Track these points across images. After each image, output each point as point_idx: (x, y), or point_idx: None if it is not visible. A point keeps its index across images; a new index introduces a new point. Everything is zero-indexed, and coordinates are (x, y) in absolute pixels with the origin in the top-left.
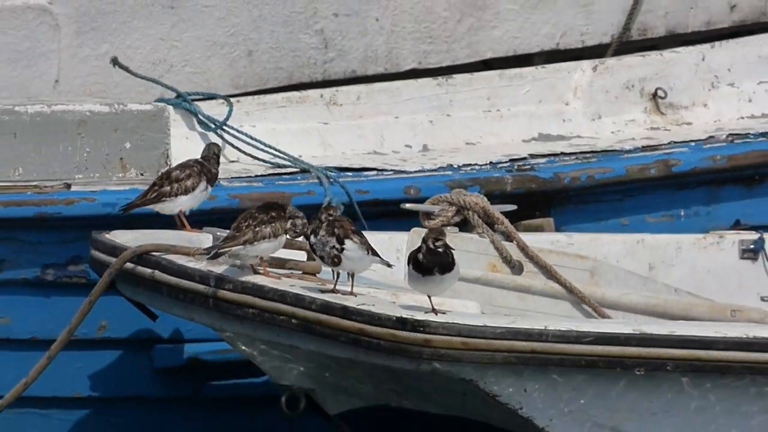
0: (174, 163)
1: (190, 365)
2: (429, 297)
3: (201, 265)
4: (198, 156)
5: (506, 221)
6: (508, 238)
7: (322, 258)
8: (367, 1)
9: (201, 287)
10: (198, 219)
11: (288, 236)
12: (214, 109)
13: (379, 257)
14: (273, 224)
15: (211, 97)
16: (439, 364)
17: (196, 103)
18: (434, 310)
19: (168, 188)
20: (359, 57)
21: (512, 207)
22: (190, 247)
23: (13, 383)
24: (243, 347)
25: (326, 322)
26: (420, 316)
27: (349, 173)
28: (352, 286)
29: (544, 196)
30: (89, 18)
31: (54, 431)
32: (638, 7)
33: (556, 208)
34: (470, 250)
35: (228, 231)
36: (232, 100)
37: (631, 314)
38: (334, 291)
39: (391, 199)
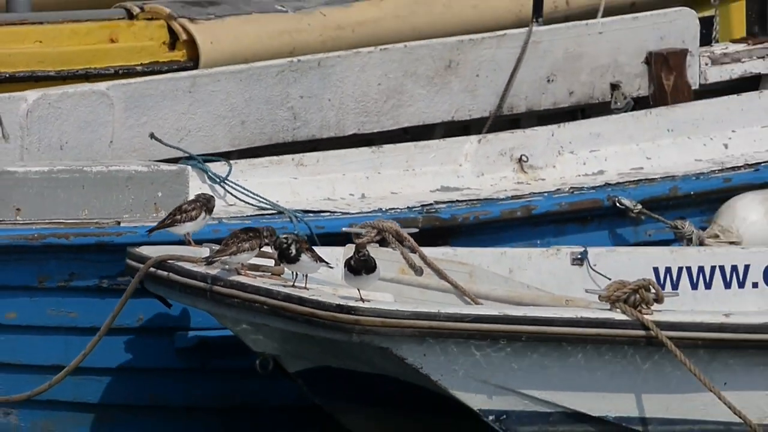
0: None
1: (198, 345)
2: (359, 290)
3: (202, 269)
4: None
5: (411, 239)
6: (413, 250)
7: (286, 261)
8: (323, 87)
9: (202, 284)
10: (206, 241)
11: (263, 249)
12: (218, 168)
13: (325, 262)
14: (251, 241)
15: (217, 159)
16: (365, 337)
17: (206, 163)
18: (362, 300)
19: (179, 216)
20: (317, 125)
21: (415, 230)
22: (194, 257)
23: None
24: (231, 326)
25: (288, 308)
26: (352, 303)
27: (311, 214)
28: (306, 283)
29: (445, 231)
30: (134, 99)
31: (106, 392)
32: (508, 92)
33: (453, 239)
34: (386, 259)
35: (220, 246)
36: (231, 161)
37: (498, 303)
38: (293, 286)
39: (340, 233)
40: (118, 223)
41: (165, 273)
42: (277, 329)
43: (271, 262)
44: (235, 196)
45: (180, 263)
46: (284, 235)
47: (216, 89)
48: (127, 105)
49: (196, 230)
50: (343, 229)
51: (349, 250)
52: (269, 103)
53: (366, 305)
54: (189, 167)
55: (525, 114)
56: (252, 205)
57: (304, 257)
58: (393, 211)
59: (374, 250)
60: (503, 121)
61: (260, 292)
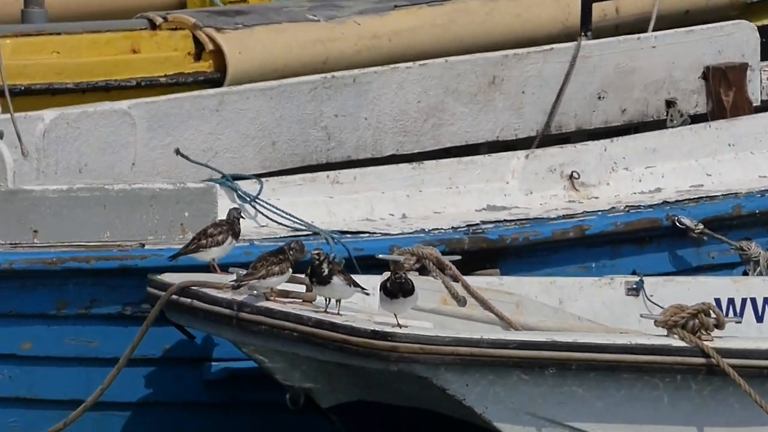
0: None
1: (227, 377)
2: (395, 315)
3: (227, 294)
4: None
5: (453, 267)
6: (455, 279)
7: (317, 281)
8: (358, 105)
9: (227, 311)
10: (235, 265)
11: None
12: (248, 187)
13: (360, 287)
14: (280, 264)
15: (247, 177)
16: (403, 365)
17: (236, 181)
18: (399, 325)
19: (204, 241)
20: (353, 146)
21: (457, 257)
22: (219, 282)
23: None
24: (258, 356)
25: (319, 335)
26: (389, 329)
27: (348, 235)
28: (338, 309)
29: (492, 253)
30: (157, 118)
31: (129, 428)
32: (556, 110)
33: (500, 262)
34: (427, 288)
35: (247, 270)
36: (262, 179)
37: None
38: (325, 312)
39: (388, 254)
40: (143, 245)
41: (188, 300)
42: (307, 359)
43: (302, 289)
44: (267, 216)
45: (204, 289)
46: (316, 250)
47: (245, 107)
48: (151, 125)
49: (223, 255)
50: (380, 256)
51: (385, 275)
52: (302, 122)
53: (404, 331)
54: (217, 185)
55: (574, 133)
56: (285, 225)
57: (337, 280)
58: (436, 231)
59: (413, 279)
60: (551, 141)
61: (289, 318)
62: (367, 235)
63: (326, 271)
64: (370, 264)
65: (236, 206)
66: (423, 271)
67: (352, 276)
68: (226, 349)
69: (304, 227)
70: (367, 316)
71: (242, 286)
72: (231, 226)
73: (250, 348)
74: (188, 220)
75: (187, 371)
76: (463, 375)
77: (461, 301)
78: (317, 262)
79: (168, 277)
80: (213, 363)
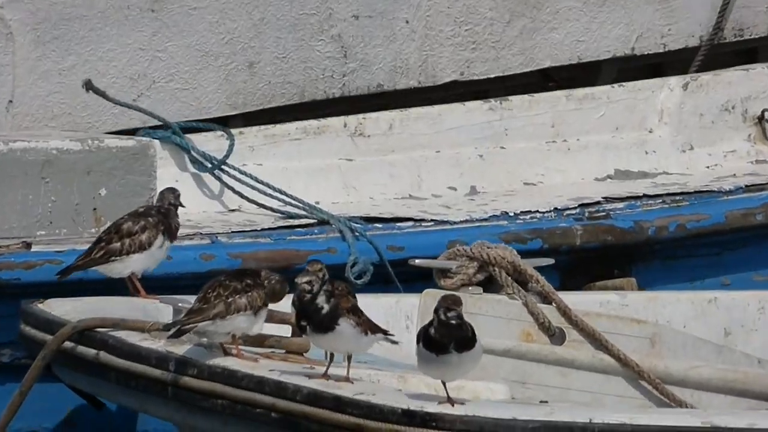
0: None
1: None
2: (443, 383)
3: (158, 344)
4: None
5: (542, 278)
6: (546, 299)
7: (312, 327)
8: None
9: (158, 372)
10: (182, 284)
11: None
12: (210, 144)
13: (382, 332)
14: (249, 293)
15: (206, 128)
16: None
17: (188, 136)
18: (450, 400)
19: (118, 245)
20: (386, 68)
21: (549, 261)
22: (145, 321)
23: None
24: None
25: (314, 416)
26: (432, 408)
27: (379, 225)
28: (348, 369)
29: (624, 251)
30: (50, 25)
31: None
32: (732, 2)
33: (638, 266)
34: (498, 315)
35: (192, 300)
36: (234, 131)
37: (702, 393)
38: (325, 376)
39: (431, 258)
40: (28, 246)
41: (92, 351)
42: None
43: (285, 331)
44: (241, 194)
45: (119, 333)
46: (306, 279)
47: (200, 4)
48: (39, 36)
49: (150, 268)
50: (414, 261)
51: (428, 300)
52: (298, 28)
53: (457, 411)
54: (156, 142)
55: (766, 41)
56: (271, 210)
57: (344, 324)
58: (528, 217)
59: (475, 301)
60: (724, 55)
61: (265, 387)
62: (410, 224)
63: (326, 308)
64: (417, 275)
65: (172, 186)
66: (490, 285)
67: (370, 320)
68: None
69: (303, 211)
70: (397, 379)
71: (185, 331)
72: (164, 217)
73: None
74: (106, 201)
75: None
76: None
77: (556, 337)
78: (309, 293)
79: (57, 307)
80: None
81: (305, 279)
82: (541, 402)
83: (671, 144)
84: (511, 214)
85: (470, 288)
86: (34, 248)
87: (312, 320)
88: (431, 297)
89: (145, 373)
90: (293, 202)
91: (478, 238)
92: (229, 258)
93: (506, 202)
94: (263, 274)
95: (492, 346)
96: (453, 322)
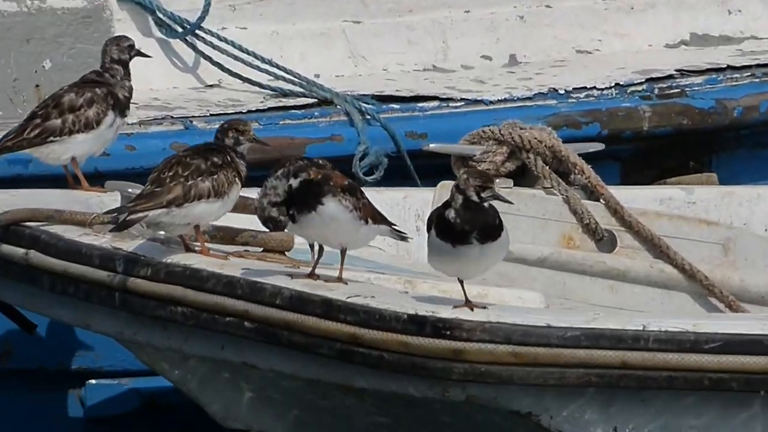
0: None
1: (108, 417)
2: (461, 282)
3: (103, 240)
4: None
5: (587, 168)
6: (592, 194)
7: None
8: None
9: (103, 274)
10: (121, 173)
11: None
12: (180, 2)
13: (388, 225)
14: (215, 175)
15: None
16: (477, 388)
17: None
18: (468, 303)
19: (58, 122)
20: None
21: (597, 146)
22: (86, 213)
23: None
24: (170, 368)
25: (298, 325)
26: (446, 313)
27: (395, 105)
28: (342, 266)
29: (702, 138)
30: None
31: None
32: None
33: (720, 156)
34: (532, 215)
35: (146, 185)
36: None
37: None
38: (311, 276)
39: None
40: None
41: (20, 251)
42: (275, 374)
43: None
44: (220, 65)
45: (53, 228)
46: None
47: None
48: None
49: (96, 152)
50: (430, 146)
51: (443, 194)
52: None
53: (478, 316)
54: (113, 1)
55: None
56: (259, 85)
57: (333, 205)
58: (583, 95)
59: (506, 193)
60: None
61: (237, 290)
62: (434, 104)
63: (309, 188)
64: (442, 167)
65: (120, 35)
66: (523, 176)
67: (371, 202)
68: (102, 352)
69: (300, 88)
70: (403, 283)
71: (135, 222)
72: (113, 88)
73: (152, 353)
74: (51, 76)
75: (24, 395)
76: (606, 409)
77: (605, 242)
78: (290, 167)
79: None
80: (71, 380)
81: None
82: None
83: (588, 8)
84: (561, 92)
85: (498, 180)
86: None
87: (294, 202)
88: (446, 190)
89: (87, 275)
90: (287, 75)
91: (520, 121)
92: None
93: (554, 75)
94: (234, 128)
95: (524, 253)
96: (473, 205)
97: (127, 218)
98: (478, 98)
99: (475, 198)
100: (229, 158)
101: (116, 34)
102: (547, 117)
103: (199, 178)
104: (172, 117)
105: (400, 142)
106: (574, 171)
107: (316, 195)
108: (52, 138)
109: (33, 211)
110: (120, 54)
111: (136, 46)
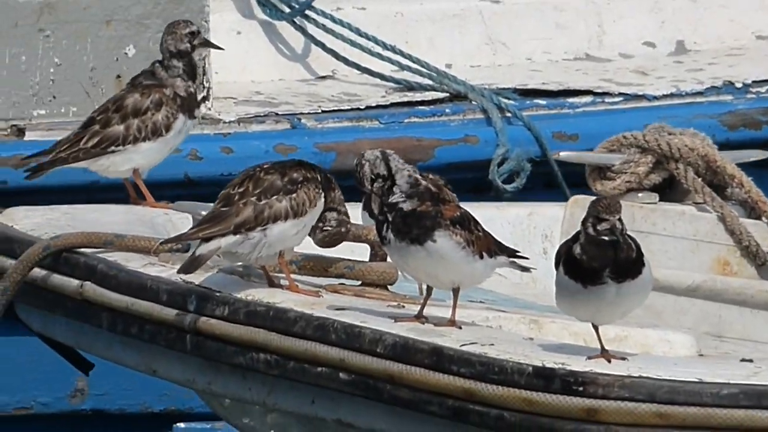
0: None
1: None
2: (595, 327)
3: (171, 271)
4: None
5: (748, 181)
6: (753, 211)
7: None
8: None
9: (171, 313)
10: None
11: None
12: None
13: (508, 254)
14: (296, 193)
15: None
16: None
17: None
18: (605, 353)
19: (121, 128)
20: None
21: (761, 154)
22: (151, 238)
23: None
24: (250, 423)
25: (403, 378)
26: (579, 365)
27: (541, 101)
28: (455, 308)
29: None
30: None
31: None
32: None
33: None
34: (681, 235)
35: (215, 204)
36: None
37: None
38: (419, 318)
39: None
40: (21, 132)
41: (74, 282)
42: None
43: (363, 253)
44: (334, 52)
45: (114, 255)
46: (371, 157)
47: None
48: None
49: (160, 161)
50: (560, 155)
51: (577, 211)
52: None
53: (616, 370)
54: None
55: None
56: (380, 76)
57: (444, 238)
58: (763, 89)
59: (648, 213)
60: None
61: (331, 333)
62: (588, 99)
63: (414, 219)
64: (598, 174)
65: (186, 22)
66: (670, 189)
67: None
68: (192, 392)
69: (428, 79)
70: (529, 323)
71: (204, 258)
72: (183, 82)
73: (229, 404)
74: (135, 63)
75: None
76: None
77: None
78: (378, 178)
79: (21, 220)
80: (156, 424)
81: (371, 153)
82: (742, 360)
83: None
84: (738, 85)
85: (640, 194)
86: (28, 135)
87: (394, 227)
88: (580, 207)
89: (152, 313)
90: (413, 65)
91: (689, 121)
92: (317, 150)
93: (730, 66)
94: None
95: (672, 280)
96: (606, 237)
97: (197, 255)
98: (640, 93)
99: (592, 232)
100: (313, 174)
101: (180, 20)
102: (721, 115)
103: (274, 197)
104: (276, 114)
105: (545, 145)
106: (732, 184)
107: (422, 228)
108: (113, 147)
109: (89, 235)
110: (177, 44)
111: (234, 28)
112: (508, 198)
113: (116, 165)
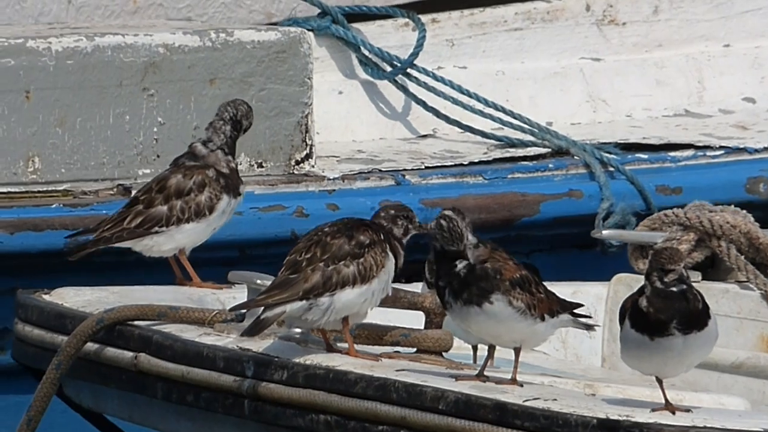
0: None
1: None
2: (659, 380)
3: (227, 340)
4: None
5: None
6: None
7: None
8: None
9: (229, 379)
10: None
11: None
12: (389, 37)
13: (572, 312)
14: (364, 257)
15: (386, 14)
16: None
17: (355, 25)
18: (670, 406)
19: (164, 209)
20: None
21: None
22: (204, 309)
23: None
24: None
25: None
26: (643, 417)
27: (643, 155)
28: (516, 366)
29: None
30: None
31: None
32: None
33: None
34: (725, 313)
35: (279, 275)
36: (424, 18)
37: None
38: (480, 377)
39: (723, 202)
40: (127, 190)
41: (129, 355)
42: None
43: (418, 320)
44: (435, 110)
45: (168, 327)
46: (447, 214)
47: None
48: None
49: (200, 241)
50: (600, 232)
51: (620, 289)
52: None
53: (682, 421)
54: (311, 35)
55: None
56: (482, 134)
57: (501, 302)
58: None
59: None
60: None
61: (392, 393)
62: (689, 152)
63: (474, 279)
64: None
65: (239, 103)
66: (713, 268)
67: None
68: None
69: (531, 136)
70: (582, 387)
71: (269, 320)
72: (220, 162)
73: None
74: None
75: None
76: None
77: None
78: (446, 237)
79: (71, 299)
80: None
81: (446, 215)
82: None
83: None
84: None
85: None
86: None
87: (452, 291)
88: (624, 285)
89: (209, 381)
90: (515, 122)
91: None
92: (422, 207)
93: None
94: (397, 215)
95: (717, 357)
96: (674, 288)
97: (261, 318)
98: (741, 146)
99: (658, 284)
100: (379, 236)
101: (236, 101)
102: None
103: (342, 262)
104: (380, 170)
105: (649, 198)
106: None
107: (480, 290)
108: (156, 228)
109: (143, 308)
110: (239, 123)
111: (337, 88)
112: (613, 252)
113: (159, 245)
